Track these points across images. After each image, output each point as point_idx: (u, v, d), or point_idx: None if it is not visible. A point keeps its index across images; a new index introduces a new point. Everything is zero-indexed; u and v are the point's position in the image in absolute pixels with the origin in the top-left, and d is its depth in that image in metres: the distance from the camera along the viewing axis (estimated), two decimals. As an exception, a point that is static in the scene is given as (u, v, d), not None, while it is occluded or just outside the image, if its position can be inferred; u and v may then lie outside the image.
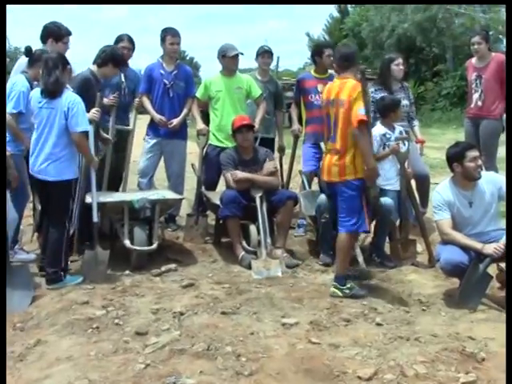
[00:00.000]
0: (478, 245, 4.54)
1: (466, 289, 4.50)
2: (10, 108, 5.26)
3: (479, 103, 6.84)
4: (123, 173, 6.63)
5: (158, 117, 6.57)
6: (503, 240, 4.48)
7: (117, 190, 6.56)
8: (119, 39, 6.60)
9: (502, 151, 6.62)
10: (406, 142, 5.87)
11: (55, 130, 4.91)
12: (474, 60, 6.92)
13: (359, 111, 4.48)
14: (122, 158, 6.58)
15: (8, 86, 5.44)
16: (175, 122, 6.58)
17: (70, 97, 4.92)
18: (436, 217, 4.83)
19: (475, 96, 6.90)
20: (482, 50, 6.72)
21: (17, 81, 5.35)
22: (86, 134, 5.03)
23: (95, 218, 5.38)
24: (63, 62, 5.01)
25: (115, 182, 6.59)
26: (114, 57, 5.79)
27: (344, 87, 4.64)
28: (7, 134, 5.30)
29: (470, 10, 24.95)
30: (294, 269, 5.44)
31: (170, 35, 6.59)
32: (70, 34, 5.91)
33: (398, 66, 6.45)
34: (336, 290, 4.68)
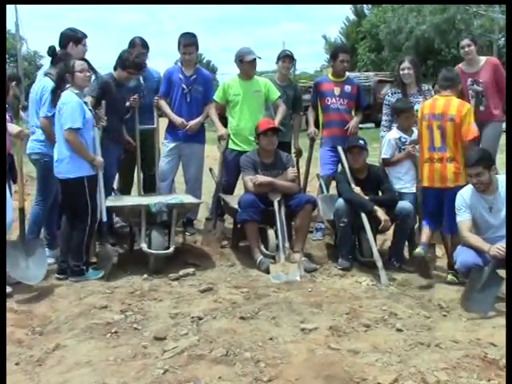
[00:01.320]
0: (485, 246, 4.58)
1: (471, 294, 4.51)
2: (44, 112, 5.42)
3: (481, 108, 6.66)
4: (154, 172, 6.70)
5: (179, 120, 6.57)
6: (504, 242, 4.48)
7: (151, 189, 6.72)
8: (132, 43, 6.71)
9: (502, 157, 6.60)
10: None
11: (59, 130, 5.17)
12: (462, 66, 6.68)
13: (473, 127, 5.22)
14: (150, 159, 6.67)
15: (36, 88, 5.59)
16: (192, 123, 6.58)
17: (63, 98, 5.17)
18: (457, 218, 4.89)
19: (473, 101, 6.69)
20: (472, 53, 6.54)
21: (45, 84, 5.47)
22: (77, 131, 5.12)
23: (104, 218, 5.50)
24: (66, 72, 5.24)
25: (145, 181, 6.82)
26: (121, 60, 6.07)
27: (450, 104, 5.24)
28: (42, 136, 5.52)
29: (489, 11, 24.76)
30: (312, 273, 5.41)
31: (182, 44, 6.58)
32: (86, 36, 6.02)
33: (403, 71, 6.27)
34: (454, 277, 5.17)
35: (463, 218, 4.82)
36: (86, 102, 5.30)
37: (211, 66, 51.03)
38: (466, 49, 6.55)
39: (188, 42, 6.58)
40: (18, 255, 5.03)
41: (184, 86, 6.59)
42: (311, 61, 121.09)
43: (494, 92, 6.44)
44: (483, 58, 6.67)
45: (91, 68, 5.50)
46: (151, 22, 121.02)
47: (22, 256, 5.06)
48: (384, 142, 6.07)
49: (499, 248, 4.44)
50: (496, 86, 6.46)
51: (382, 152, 6.12)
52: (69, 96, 5.15)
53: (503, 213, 4.71)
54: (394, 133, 6.01)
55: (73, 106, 5.10)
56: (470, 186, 4.91)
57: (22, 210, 5.28)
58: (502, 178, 4.82)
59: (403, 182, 5.89)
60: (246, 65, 6.49)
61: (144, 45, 6.73)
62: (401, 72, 6.30)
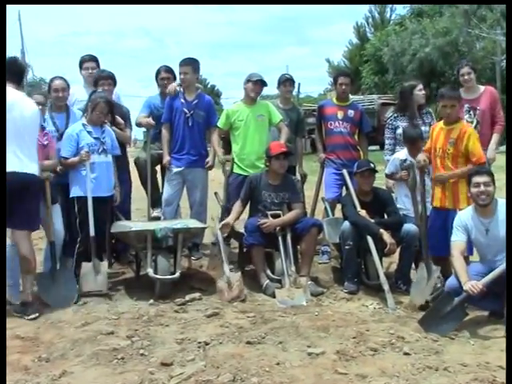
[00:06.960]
0: (463, 278, 4.51)
1: (433, 318, 4.51)
2: None
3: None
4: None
5: (166, 159, 6.73)
6: (484, 280, 4.43)
7: None
8: (158, 72, 7.05)
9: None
10: (417, 172, 5.65)
11: None
12: (461, 91, 6.58)
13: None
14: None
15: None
16: (210, 162, 6.80)
17: None
18: (452, 237, 4.88)
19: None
20: (472, 80, 6.56)
21: None
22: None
23: (92, 233, 5.63)
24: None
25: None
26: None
27: None
28: None
29: (491, 34, 24.90)
30: (318, 297, 5.40)
31: (179, 65, 6.70)
32: (88, 59, 6.63)
33: (420, 92, 6.41)
34: None
35: (456, 239, 4.80)
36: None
37: (215, 90, 51.21)
38: (466, 76, 6.57)
39: (182, 62, 6.65)
40: (49, 283, 5.36)
41: (186, 111, 6.62)
42: (315, 84, 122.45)
43: (489, 121, 6.46)
44: (482, 87, 6.72)
45: None
46: (157, 47, 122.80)
47: (53, 284, 5.36)
48: (390, 161, 6.12)
49: (474, 286, 4.38)
50: (491, 115, 6.47)
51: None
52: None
53: (500, 236, 4.61)
54: (403, 153, 6.02)
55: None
56: (468, 208, 4.90)
57: (52, 244, 5.52)
58: (501, 202, 4.75)
59: (406, 205, 5.94)
60: (251, 84, 6.56)
61: (168, 72, 6.98)
62: (418, 93, 6.47)
